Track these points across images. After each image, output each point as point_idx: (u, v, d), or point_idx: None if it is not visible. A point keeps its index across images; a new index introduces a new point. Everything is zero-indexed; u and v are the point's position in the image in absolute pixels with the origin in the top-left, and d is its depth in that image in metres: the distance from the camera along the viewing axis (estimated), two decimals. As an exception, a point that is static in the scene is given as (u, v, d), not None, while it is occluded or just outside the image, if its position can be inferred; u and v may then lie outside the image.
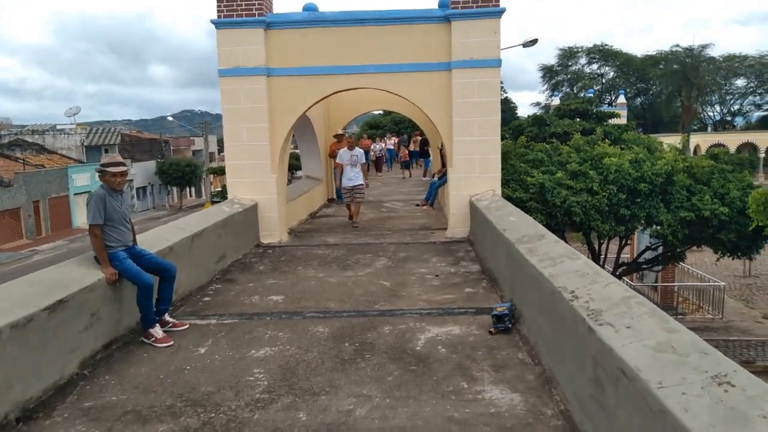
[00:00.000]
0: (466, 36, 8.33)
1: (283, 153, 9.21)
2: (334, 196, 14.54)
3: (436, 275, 6.54)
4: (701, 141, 49.57)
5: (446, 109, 8.67)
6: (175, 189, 52.81)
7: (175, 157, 52.71)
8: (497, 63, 8.42)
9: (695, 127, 55.71)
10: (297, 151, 14.82)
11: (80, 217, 40.67)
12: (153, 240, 5.58)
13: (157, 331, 4.68)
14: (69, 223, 39.77)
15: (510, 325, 4.64)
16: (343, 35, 8.71)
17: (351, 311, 5.33)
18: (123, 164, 4.75)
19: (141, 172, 49.23)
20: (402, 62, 8.60)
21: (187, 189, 53.09)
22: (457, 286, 6.10)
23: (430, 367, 4.02)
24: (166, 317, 4.96)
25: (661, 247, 17.00)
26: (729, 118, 63.72)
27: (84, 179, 41.35)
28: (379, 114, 46.28)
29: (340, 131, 13.96)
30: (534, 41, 20.16)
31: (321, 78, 8.79)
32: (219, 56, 8.68)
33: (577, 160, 14.36)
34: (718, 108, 64.16)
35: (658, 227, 14.02)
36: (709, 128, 62.61)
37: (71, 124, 50.50)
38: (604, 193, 13.54)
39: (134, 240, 4.95)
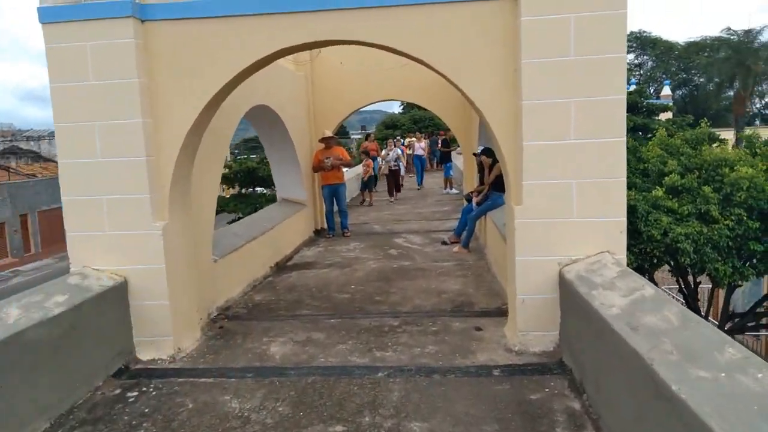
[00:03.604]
0: None
1: (185, 177, 4.77)
2: (325, 226, 10.10)
3: None
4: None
5: (504, 79, 4.15)
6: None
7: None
8: (623, -26, 3.87)
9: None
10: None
11: (75, 231, 37.12)
12: None
13: None
14: (63, 237, 36.35)
15: None
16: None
17: None
18: None
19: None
20: (413, -16, 4.12)
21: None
22: None
23: None
24: None
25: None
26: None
27: (80, 189, 37.99)
28: (400, 112, 41.60)
29: (328, 133, 9.49)
30: None
31: (252, 21, 4.30)
32: (41, -16, 4.30)
33: (677, 169, 9.63)
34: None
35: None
36: (757, 120, 56.42)
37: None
38: (726, 222, 8.82)
39: None
